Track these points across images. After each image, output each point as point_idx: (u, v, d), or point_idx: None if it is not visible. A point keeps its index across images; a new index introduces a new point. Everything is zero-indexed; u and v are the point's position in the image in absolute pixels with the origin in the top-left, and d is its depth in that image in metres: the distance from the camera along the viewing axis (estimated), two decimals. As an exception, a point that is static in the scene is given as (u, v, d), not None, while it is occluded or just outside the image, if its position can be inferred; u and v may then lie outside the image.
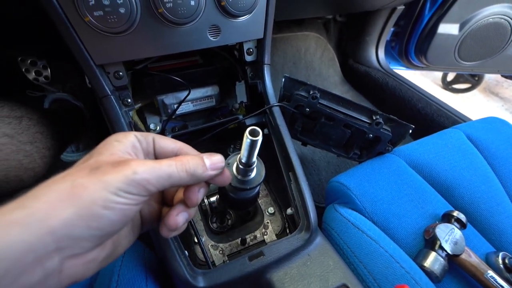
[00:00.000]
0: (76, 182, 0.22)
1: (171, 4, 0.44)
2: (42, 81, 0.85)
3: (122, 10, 0.42)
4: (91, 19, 0.41)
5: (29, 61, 0.82)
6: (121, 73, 0.50)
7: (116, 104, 0.50)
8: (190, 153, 0.31)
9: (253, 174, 0.36)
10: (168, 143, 0.31)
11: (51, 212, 0.20)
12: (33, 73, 0.83)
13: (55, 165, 0.72)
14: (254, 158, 0.33)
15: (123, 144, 0.27)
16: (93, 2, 0.40)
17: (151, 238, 0.45)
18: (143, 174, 0.24)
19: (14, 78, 0.85)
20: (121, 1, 0.41)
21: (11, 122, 0.64)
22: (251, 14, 0.52)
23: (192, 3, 0.45)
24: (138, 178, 0.23)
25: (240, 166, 0.34)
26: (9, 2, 0.54)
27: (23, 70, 0.82)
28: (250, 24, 0.53)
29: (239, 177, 0.35)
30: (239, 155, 0.33)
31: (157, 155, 0.30)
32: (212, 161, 0.29)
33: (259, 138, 0.29)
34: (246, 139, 0.29)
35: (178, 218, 0.29)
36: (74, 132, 0.92)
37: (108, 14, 0.41)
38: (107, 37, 0.44)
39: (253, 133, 0.28)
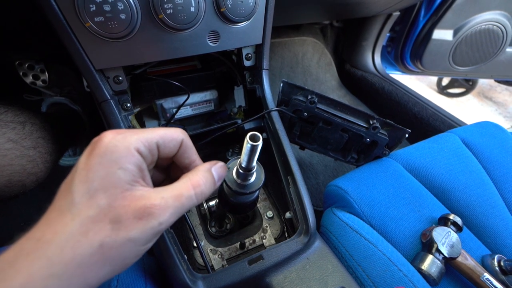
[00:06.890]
0: (105, 243, 0.22)
1: (171, 10, 0.45)
2: (40, 85, 0.85)
3: (122, 16, 0.42)
4: (92, 24, 0.41)
5: (26, 65, 0.82)
6: (120, 78, 0.50)
7: (115, 109, 0.50)
8: (196, 161, 0.31)
9: (252, 178, 0.36)
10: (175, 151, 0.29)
11: (88, 273, 0.21)
12: (31, 77, 0.83)
13: (53, 170, 0.72)
14: (254, 163, 0.33)
15: (129, 172, 0.24)
16: (94, 8, 0.40)
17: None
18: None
19: (12, 82, 0.85)
20: (122, 7, 0.41)
21: (15, 127, 0.63)
22: (250, 20, 0.53)
23: (192, 9, 0.46)
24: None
25: (240, 171, 0.34)
26: (8, 5, 0.54)
27: (21, 74, 0.82)
28: (249, 30, 0.54)
29: (239, 181, 0.36)
30: (239, 160, 0.34)
31: (159, 159, 0.29)
32: (219, 175, 0.30)
33: (260, 143, 0.29)
34: (247, 144, 0.29)
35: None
36: (72, 136, 0.91)
37: (108, 20, 0.42)
38: (107, 42, 0.44)
39: (254, 138, 0.29)
